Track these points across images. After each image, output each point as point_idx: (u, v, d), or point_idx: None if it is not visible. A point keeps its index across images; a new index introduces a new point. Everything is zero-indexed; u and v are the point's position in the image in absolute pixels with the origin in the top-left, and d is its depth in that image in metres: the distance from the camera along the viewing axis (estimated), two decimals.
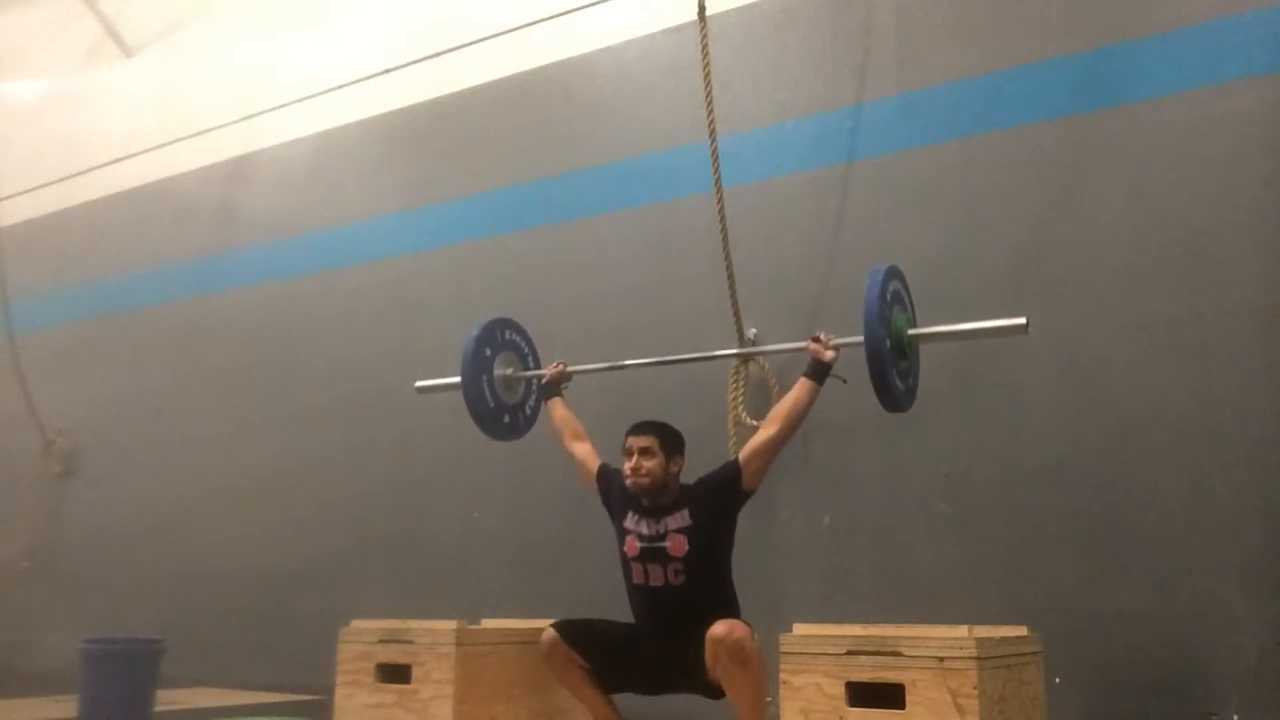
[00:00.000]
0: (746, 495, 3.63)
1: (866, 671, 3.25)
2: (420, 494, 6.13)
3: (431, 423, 6.11)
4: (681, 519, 3.54)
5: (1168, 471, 4.08)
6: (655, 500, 3.59)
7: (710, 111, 4.84)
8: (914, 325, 3.68)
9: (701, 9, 4.96)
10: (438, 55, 6.32)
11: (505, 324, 4.40)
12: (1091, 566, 4.16)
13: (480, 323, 4.32)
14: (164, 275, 7.73)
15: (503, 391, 4.29)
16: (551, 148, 6.03)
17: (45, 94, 9.08)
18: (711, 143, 4.81)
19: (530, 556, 5.56)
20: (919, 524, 4.56)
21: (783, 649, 3.39)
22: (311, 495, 6.53)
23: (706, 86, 4.87)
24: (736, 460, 3.63)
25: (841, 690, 3.27)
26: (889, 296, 3.51)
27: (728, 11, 5.31)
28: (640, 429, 3.64)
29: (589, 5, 5.73)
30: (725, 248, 4.79)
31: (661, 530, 3.54)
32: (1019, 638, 3.48)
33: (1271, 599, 3.84)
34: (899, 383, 3.54)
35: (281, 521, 6.61)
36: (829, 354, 3.58)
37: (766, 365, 4.88)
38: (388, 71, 6.55)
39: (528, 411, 4.42)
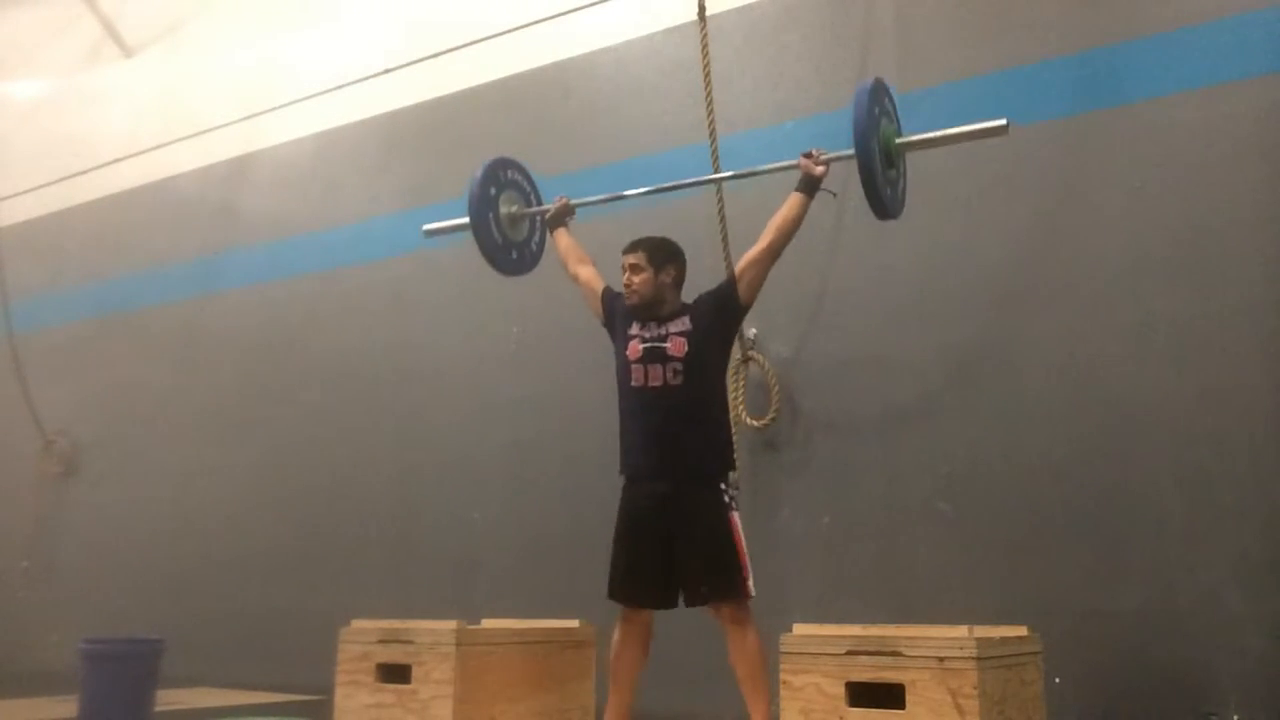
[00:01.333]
0: (744, 309, 3.75)
1: (866, 671, 3.25)
2: (420, 493, 6.13)
3: (432, 422, 6.12)
4: (682, 325, 3.67)
5: (1168, 471, 4.08)
6: (654, 312, 3.71)
7: (710, 111, 4.85)
8: (900, 135, 3.80)
9: (701, 9, 4.96)
10: (438, 55, 6.32)
11: (507, 163, 4.48)
12: (1091, 566, 4.16)
13: (483, 161, 4.36)
14: (164, 275, 7.73)
15: (508, 228, 4.40)
16: (551, 148, 6.02)
17: (45, 94, 9.09)
18: (711, 143, 4.82)
19: (530, 556, 5.56)
20: (919, 524, 4.56)
21: (783, 649, 3.39)
22: (311, 495, 6.53)
23: (706, 86, 4.87)
24: (732, 273, 3.74)
25: (841, 690, 3.27)
26: (877, 110, 3.64)
27: (728, 11, 5.31)
28: (629, 247, 3.78)
29: (589, 5, 5.74)
30: (725, 248, 4.79)
31: (663, 334, 3.67)
32: (1019, 638, 3.47)
33: (1271, 599, 3.84)
34: (888, 190, 3.71)
35: (281, 521, 6.62)
36: (819, 169, 3.67)
37: (766, 364, 4.89)
38: (388, 71, 6.56)
39: (534, 247, 4.53)
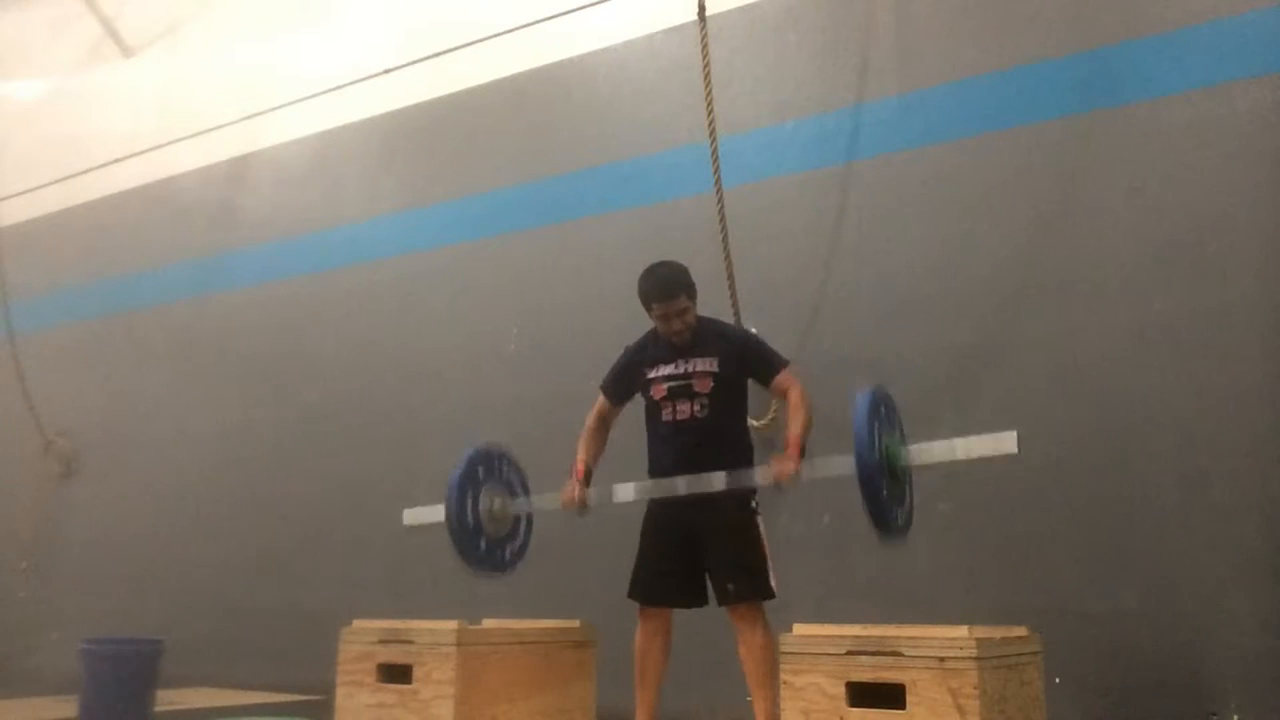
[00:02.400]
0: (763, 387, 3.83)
1: (867, 671, 3.26)
2: (421, 494, 6.11)
3: (432, 422, 6.11)
4: (709, 364, 3.71)
5: (1168, 471, 4.08)
6: (681, 341, 3.75)
7: (710, 111, 4.85)
8: (904, 446, 3.46)
9: (701, 9, 4.97)
10: (438, 55, 6.32)
11: (488, 456, 4.06)
12: (1091, 566, 4.17)
13: (458, 468, 3.93)
14: (164, 275, 7.73)
15: (489, 525, 3.99)
16: (551, 148, 6.03)
17: (45, 94, 9.08)
18: (711, 143, 4.82)
19: (531, 556, 5.55)
20: (919, 524, 4.53)
21: (783, 649, 3.40)
22: (311, 495, 6.53)
23: (706, 86, 4.88)
24: (781, 374, 3.72)
25: (842, 690, 3.28)
26: (877, 425, 3.30)
27: (728, 11, 5.31)
28: (666, 295, 3.70)
29: (589, 5, 5.74)
30: (725, 248, 4.79)
31: (689, 370, 3.72)
32: (1019, 638, 3.47)
33: (1271, 599, 3.85)
34: (896, 509, 3.41)
35: (281, 521, 6.61)
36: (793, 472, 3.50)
37: None
38: (388, 71, 6.56)
39: (516, 548, 4.15)
